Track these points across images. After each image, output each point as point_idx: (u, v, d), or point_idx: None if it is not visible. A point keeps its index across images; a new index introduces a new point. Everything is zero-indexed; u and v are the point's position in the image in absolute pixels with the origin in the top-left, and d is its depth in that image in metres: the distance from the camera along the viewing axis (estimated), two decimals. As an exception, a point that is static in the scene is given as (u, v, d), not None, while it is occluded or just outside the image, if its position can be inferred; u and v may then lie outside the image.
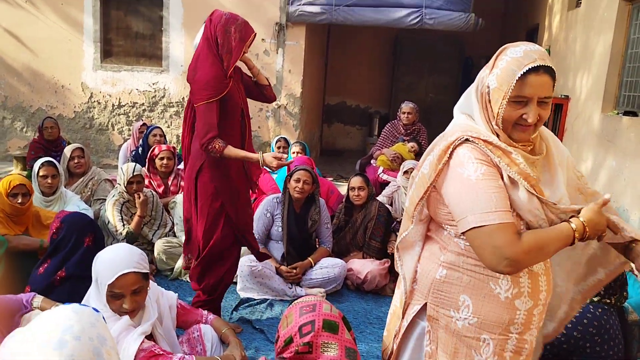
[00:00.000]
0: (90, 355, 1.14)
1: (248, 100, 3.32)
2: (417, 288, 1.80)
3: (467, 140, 1.60)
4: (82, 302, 2.09)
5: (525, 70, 1.53)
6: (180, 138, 7.68)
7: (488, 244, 1.49)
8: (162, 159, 4.96)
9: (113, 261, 2.20)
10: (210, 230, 3.13)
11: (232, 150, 2.97)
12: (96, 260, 2.23)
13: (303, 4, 7.51)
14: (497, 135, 1.62)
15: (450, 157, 1.60)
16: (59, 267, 2.82)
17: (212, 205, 3.09)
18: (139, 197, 4.22)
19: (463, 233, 1.57)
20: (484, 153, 1.58)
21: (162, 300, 2.46)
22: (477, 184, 1.53)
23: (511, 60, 1.57)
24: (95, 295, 2.18)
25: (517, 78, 1.54)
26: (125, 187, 4.26)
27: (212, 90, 2.93)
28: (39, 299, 2.50)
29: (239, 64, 3.15)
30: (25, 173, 5.80)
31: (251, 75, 3.34)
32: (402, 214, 4.85)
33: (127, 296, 2.17)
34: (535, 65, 1.53)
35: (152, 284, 2.40)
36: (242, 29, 3.02)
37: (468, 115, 1.70)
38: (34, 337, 1.12)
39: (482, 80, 1.65)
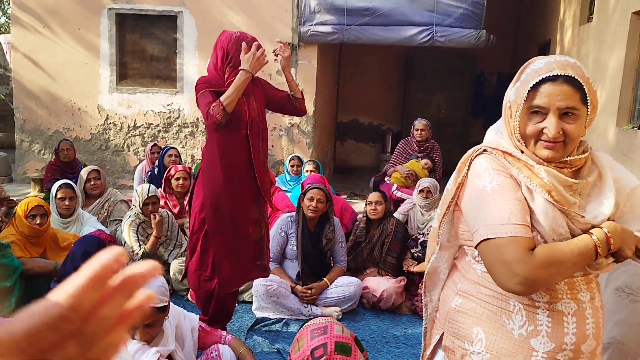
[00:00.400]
0: None
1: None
2: (437, 317, 1.70)
3: (485, 150, 1.53)
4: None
5: (539, 80, 1.41)
6: (194, 158, 7.76)
7: (497, 259, 1.36)
8: (178, 179, 5.01)
9: None
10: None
11: (227, 92, 2.86)
12: None
13: (315, 24, 7.59)
14: (522, 152, 1.49)
15: (468, 169, 1.52)
16: None
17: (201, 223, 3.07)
18: (155, 218, 4.26)
19: (476, 247, 1.44)
20: (502, 164, 1.47)
21: (184, 323, 2.48)
22: (493, 194, 1.42)
23: (531, 72, 1.46)
24: None
25: (529, 87, 1.42)
26: (140, 208, 4.30)
27: (207, 85, 2.96)
28: None
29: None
30: (42, 195, 5.88)
31: (289, 89, 3.30)
32: (417, 232, 4.84)
33: (139, 329, 2.18)
34: (553, 74, 1.40)
35: (174, 307, 2.42)
36: (251, 45, 3.04)
37: (498, 131, 1.60)
38: None
39: (506, 95, 1.55)
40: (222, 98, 2.85)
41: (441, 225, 1.63)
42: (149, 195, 4.33)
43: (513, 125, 1.50)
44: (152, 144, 6.30)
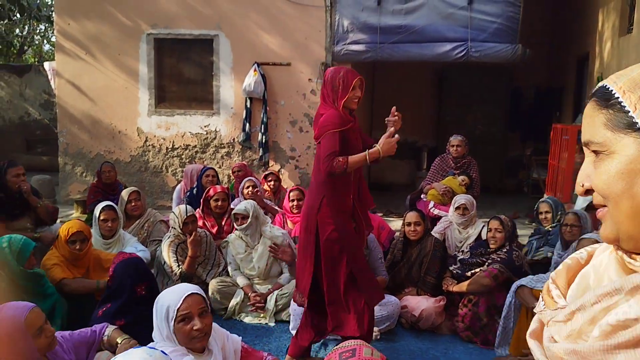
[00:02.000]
0: None
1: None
2: None
3: None
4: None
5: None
6: (230, 178, 7.83)
7: None
8: (216, 200, 5.06)
9: (175, 290, 2.34)
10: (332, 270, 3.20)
11: (354, 158, 3.09)
12: (158, 299, 2.29)
13: (348, 43, 7.64)
14: None
15: None
16: (117, 315, 2.89)
17: (332, 246, 3.18)
18: (190, 236, 4.31)
19: None
20: None
21: (227, 344, 2.49)
22: None
23: None
24: (160, 338, 2.21)
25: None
26: (181, 228, 4.37)
27: (332, 125, 3.12)
28: (110, 329, 2.58)
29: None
30: (85, 217, 6.03)
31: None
32: (455, 250, 4.76)
33: (195, 317, 2.22)
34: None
35: (217, 327, 2.45)
36: (345, 78, 3.19)
37: None
38: None
39: None
40: (350, 160, 3.05)
41: None
42: (188, 214, 4.40)
43: None
44: (203, 167, 6.30)
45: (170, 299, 2.26)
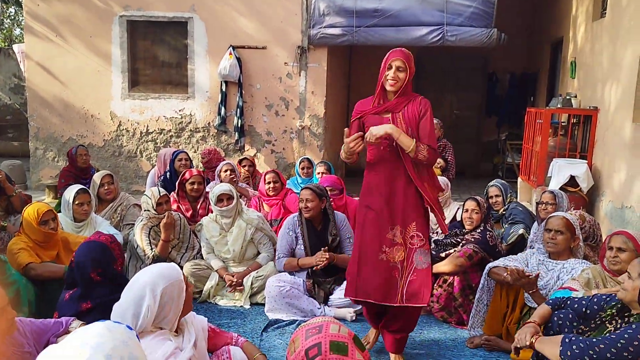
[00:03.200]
0: None
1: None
2: None
3: None
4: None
5: None
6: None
7: None
8: (192, 183, 5.01)
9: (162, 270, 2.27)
10: None
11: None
12: (136, 281, 2.22)
13: (324, 27, 7.58)
14: None
15: None
16: (82, 298, 2.83)
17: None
18: (165, 218, 4.26)
19: None
20: None
21: (195, 322, 2.46)
22: None
23: None
24: (132, 320, 2.15)
25: None
26: (155, 209, 4.32)
27: (353, 113, 3.31)
28: (77, 323, 2.52)
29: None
30: (56, 202, 5.91)
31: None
32: (430, 231, 4.78)
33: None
34: None
35: None
36: (386, 56, 3.14)
37: None
38: (65, 354, 1.12)
39: None
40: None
41: None
42: (161, 195, 4.37)
43: None
44: (175, 151, 6.17)
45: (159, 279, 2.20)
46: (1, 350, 2.10)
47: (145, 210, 4.42)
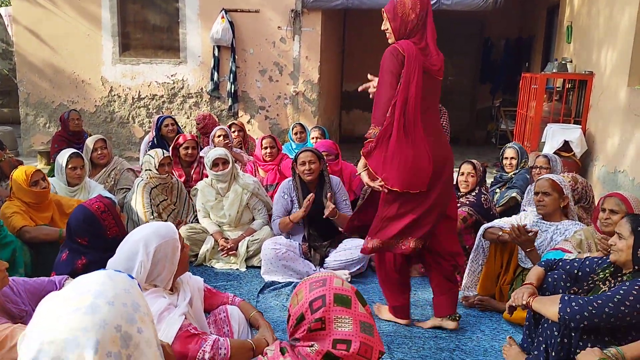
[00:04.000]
0: (123, 321, 1.13)
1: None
2: None
3: None
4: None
5: None
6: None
7: None
8: (186, 148, 5.00)
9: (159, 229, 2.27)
10: None
11: None
12: (137, 237, 2.21)
13: (318, -11, 7.45)
14: None
15: None
16: (76, 256, 2.85)
17: None
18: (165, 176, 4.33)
19: None
20: None
21: (191, 282, 2.47)
22: None
23: None
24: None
25: None
26: (157, 169, 4.32)
27: None
28: (70, 280, 2.53)
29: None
30: (49, 168, 5.87)
31: None
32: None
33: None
34: None
35: None
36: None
37: None
38: (66, 301, 1.12)
39: None
40: None
41: None
42: (165, 155, 4.42)
43: None
44: (160, 116, 6.10)
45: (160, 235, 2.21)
46: None
47: (146, 170, 4.41)
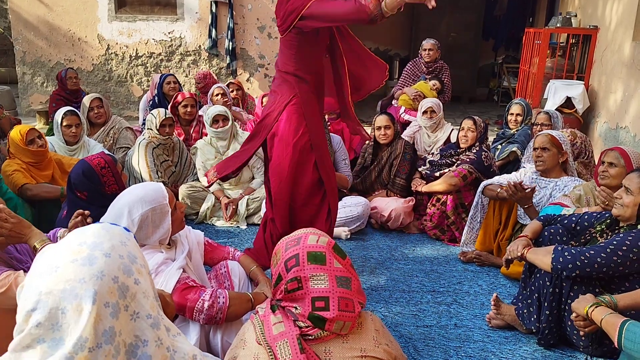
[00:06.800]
0: (120, 272, 1.14)
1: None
2: None
3: None
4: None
5: None
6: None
7: None
8: (185, 106, 4.96)
9: (153, 188, 2.27)
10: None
11: None
12: (129, 197, 2.21)
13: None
14: None
15: None
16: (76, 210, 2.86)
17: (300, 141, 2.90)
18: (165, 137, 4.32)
19: None
20: None
21: (190, 236, 2.48)
22: None
23: None
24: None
25: None
26: (158, 129, 4.30)
27: None
28: (62, 231, 2.54)
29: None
30: (48, 127, 5.85)
31: None
32: (424, 153, 4.79)
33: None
34: None
35: None
36: None
37: None
38: (63, 252, 1.13)
39: None
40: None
41: None
42: (167, 116, 4.35)
43: None
44: (161, 74, 6.02)
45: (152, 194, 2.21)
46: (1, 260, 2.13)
47: (147, 129, 4.39)
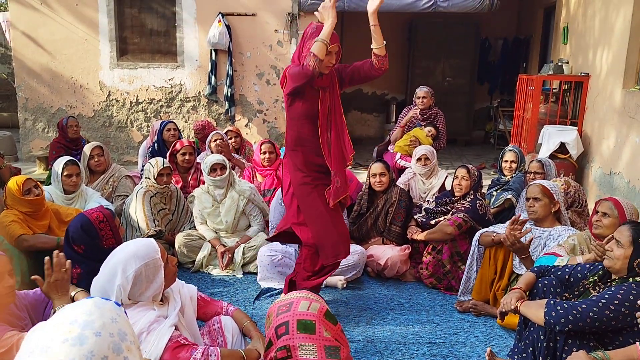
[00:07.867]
0: (110, 351, 1.14)
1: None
2: None
3: None
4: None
5: None
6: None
7: None
8: (184, 154, 5.01)
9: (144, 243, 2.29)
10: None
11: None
12: (120, 257, 2.23)
13: (315, -7, 7.47)
14: None
15: None
16: (73, 265, 2.87)
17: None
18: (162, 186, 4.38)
19: None
20: None
21: (183, 291, 2.48)
22: None
23: None
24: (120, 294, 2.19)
25: None
26: (155, 179, 4.34)
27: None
28: (73, 290, 2.55)
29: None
30: (47, 173, 5.90)
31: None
32: (420, 200, 4.83)
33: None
34: None
35: None
36: (316, 31, 3.23)
37: None
38: (53, 332, 1.14)
39: None
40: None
41: None
42: (165, 166, 4.39)
43: None
44: (162, 121, 6.10)
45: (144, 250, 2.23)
46: (5, 319, 2.13)
47: (145, 178, 4.43)
